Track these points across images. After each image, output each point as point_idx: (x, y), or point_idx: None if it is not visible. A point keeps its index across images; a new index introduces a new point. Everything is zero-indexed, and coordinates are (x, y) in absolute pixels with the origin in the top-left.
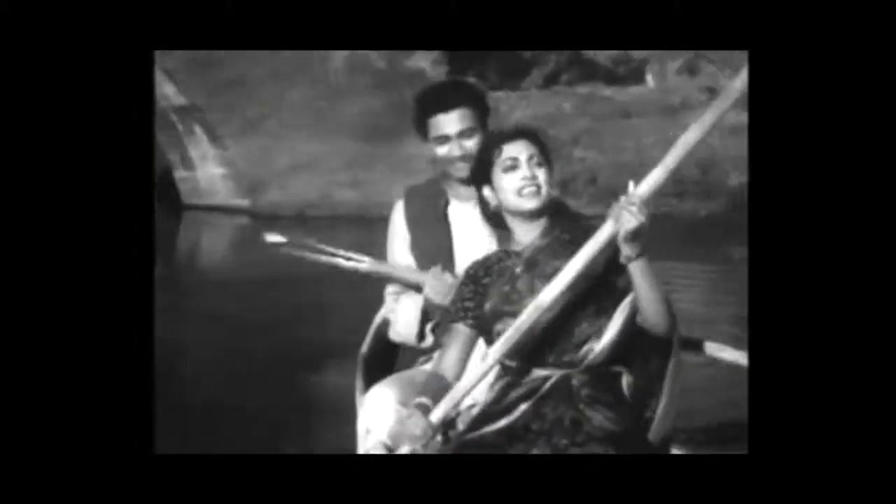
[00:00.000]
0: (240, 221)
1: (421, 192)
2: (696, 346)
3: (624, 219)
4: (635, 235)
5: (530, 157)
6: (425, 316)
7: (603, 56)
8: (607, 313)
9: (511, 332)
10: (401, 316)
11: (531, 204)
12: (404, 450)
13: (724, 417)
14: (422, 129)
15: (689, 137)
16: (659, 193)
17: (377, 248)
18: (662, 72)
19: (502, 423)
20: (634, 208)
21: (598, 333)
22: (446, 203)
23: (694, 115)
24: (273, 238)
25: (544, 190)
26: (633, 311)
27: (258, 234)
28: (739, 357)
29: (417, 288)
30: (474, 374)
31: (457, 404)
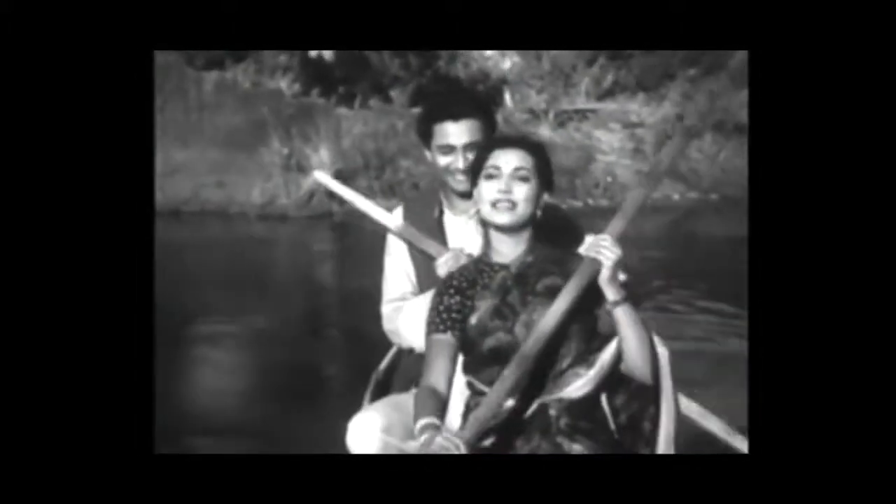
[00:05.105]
0: None
1: (417, 202)
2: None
3: (603, 256)
4: (615, 273)
5: (516, 169)
6: None
7: (465, 74)
8: (595, 351)
9: (503, 379)
10: (408, 322)
11: (502, 218)
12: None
13: None
14: (426, 134)
15: (637, 195)
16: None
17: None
18: (524, 93)
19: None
20: (608, 243)
21: (585, 366)
22: (441, 213)
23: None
24: (321, 177)
25: (522, 207)
26: (619, 353)
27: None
28: (717, 427)
29: (431, 258)
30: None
31: (489, 419)
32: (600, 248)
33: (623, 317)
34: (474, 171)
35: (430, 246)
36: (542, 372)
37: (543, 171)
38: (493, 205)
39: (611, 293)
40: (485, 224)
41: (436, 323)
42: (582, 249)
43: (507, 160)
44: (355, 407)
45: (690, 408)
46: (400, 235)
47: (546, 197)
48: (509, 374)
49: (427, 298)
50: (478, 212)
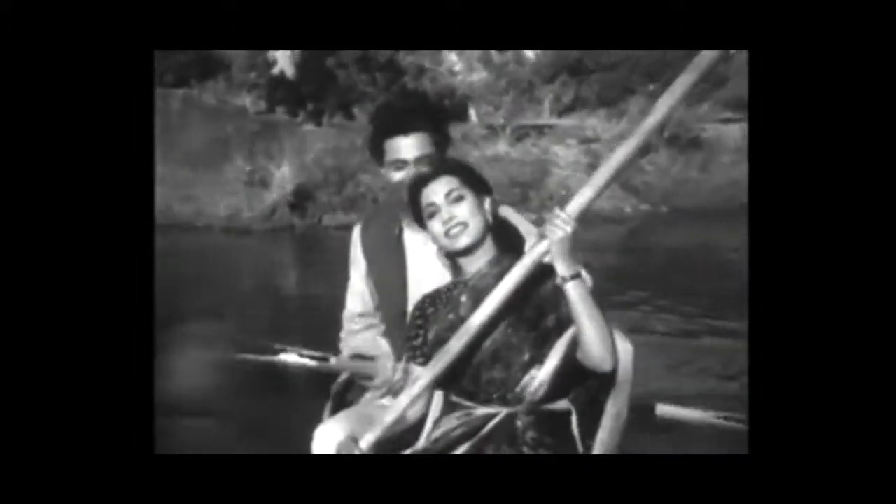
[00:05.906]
0: None
1: (376, 218)
2: (649, 410)
3: (549, 231)
4: (564, 248)
5: (448, 194)
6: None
7: (431, 89)
8: (548, 343)
9: (441, 355)
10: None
11: (462, 242)
12: None
13: None
14: (377, 151)
15: (612, 161)
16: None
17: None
18: (486, 109)
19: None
20: (560, 221)
21: (539, 364)
22: (400, 230)
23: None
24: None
25: (473, 223)
26: (574, 343)
27: None
28: (689, 414)
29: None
30: (404, 399)
31: (387, 430)
32: (550, 226)
33: (573, 292)
34: (417, 218)
35: (365, 367)
36: (496, 373)
37: (472, 181)
38: (447, 235)
39: (560, 267)
40: (450, 255)
41: (405, 353)
42: (533, 233)
43: (436, 191)
44: (318, 400)
45: (670, 410)
46: (339, 369)
47: (489, 201)
48: (428, 370)
49: (375, 336)
50: (439, 248)
